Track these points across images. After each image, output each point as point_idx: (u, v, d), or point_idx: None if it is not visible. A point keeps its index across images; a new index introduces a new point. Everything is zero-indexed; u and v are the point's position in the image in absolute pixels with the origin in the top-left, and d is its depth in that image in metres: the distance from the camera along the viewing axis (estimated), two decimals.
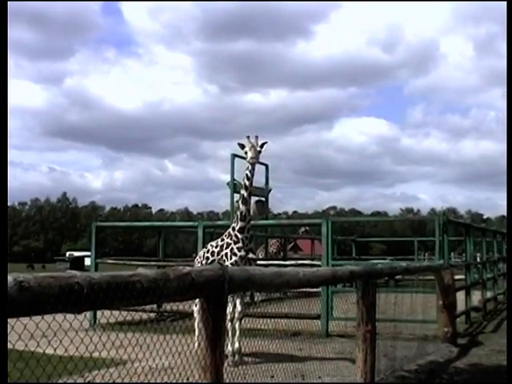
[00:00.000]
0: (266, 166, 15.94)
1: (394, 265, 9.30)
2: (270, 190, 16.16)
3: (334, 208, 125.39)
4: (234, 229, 8.64)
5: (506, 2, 7.44)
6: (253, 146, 8.46)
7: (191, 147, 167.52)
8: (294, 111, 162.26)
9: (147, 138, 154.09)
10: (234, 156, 13.86)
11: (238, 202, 9.28)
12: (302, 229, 24.09)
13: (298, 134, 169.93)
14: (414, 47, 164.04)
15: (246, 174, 8.65)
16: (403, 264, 8.97)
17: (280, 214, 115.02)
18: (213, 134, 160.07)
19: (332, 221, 11.82)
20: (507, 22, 7.18)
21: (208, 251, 9.00)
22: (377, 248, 78.48)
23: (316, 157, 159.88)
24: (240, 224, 8.56)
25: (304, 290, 10.14)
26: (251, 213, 8.97)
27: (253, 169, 8.61)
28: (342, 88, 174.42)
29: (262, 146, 8.59)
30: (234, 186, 13.74)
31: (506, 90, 7.30)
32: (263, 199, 16.16)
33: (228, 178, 14.24)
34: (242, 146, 8.55)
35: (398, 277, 15.99)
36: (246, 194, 8.61)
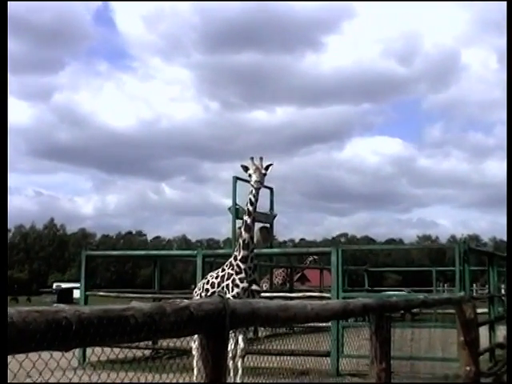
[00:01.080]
0: (271, 189, 16.06)
1: (411, 297, 9.32)
2: (275, 216, 16.23)
3: (344, 235, 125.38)
4: (236, 258, 8.66)
5: (506, 2, 7.77)
6: (257, 169, 8.53)
7: (190, 169, 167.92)
8: (303, 129, 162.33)
9: (142, 158, 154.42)
10: (237, 179, 13.98)
11: (240, 228, 9.32)
12: (310, 258, 24.11)
13: (306, 154, 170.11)
14: (432, 58, 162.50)
15: (250, 199, 8.70)
16: (420, 296, 8.92)
17: (286, 242, 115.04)
18: (214, 154, 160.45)
19: (343, 249, 11.86)
20: (507, 22, 7.47)
21: (208, 282, 9.01)
22: (392, 279, 78.19)
23: (326, 179, 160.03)
24: (242, 253, 8.58)
25: (312, 324, 10.12)
26: (255, 241, 9.01)
27: (257, 193, 8.67)
28: (355, 104, 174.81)
29: (267, 169, 8.67)
30: (237, 212, 13.86)
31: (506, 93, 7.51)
32: (268, 226, 16.19)
33: (230, 202, 14.40)
34: (246, 169, 8.61)
35: (414, 310, 15.89)
36: (249, 221, 8.65)
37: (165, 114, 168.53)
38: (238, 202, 13.90)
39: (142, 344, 12.07)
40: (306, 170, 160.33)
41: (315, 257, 23.92)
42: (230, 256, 8.95)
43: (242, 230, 8.76)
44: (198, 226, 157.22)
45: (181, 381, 4.00)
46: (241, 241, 8.68)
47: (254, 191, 8.67)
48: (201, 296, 8.94)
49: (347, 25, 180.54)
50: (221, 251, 16.07)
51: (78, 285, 15.49)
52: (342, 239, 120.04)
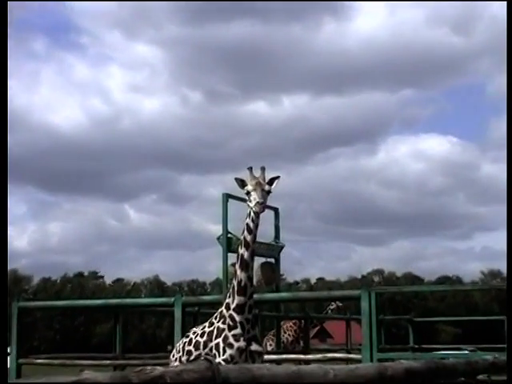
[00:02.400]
0: (276, 210, 15.99)
1: (474, 358, 9.33)
2: (282, 247, 16.16)
3: (379, 272, 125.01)
4: (228, 307, 8.68)
5: (506, 2, 9.57)
6: (258, 183, 8.63)
7: (164, 184, 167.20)
8: (319, 127, 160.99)
9: (98, 171, 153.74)
10: (228, 197, 13.95)
11: (234, 266, 9.32)
12: (333, 305, 24.02)
13: (324, 161, 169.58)
14: (501, 25, 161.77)
15: (247, 225, 8.75)
16: (488, 357, 8.91)
17: (298, 284, 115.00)
18: (196, 164, 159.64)
19: (377, 292, 11.90)
20: (507, 22, 9.14)
21: (190, 342, 9.03)
22: (447, 332, 78.13)
23: (352, 195, 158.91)
24: (238, 300, 8.62)
25: None
26: (254, 282, 9.06)
27: (257, 217, 8.74)
28: (391, 91, 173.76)
29: (271, 183, 8.78)
30: (229, 243, 13.83)
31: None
32: (272, 261, 16.08)
33: (219, 230, 14.31)
34: (242, 183, 8.73)
35: (480, 377, 15.82)
36: (246, 254, 8.70)
37: (127, 109, 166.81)
38: (230, 230, 13.87)
39: None
40: (323, 184, 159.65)
41: (339, 303, 23.81)
42: (220, 304, 8.95)
43: (237, 267, 8.78)
44: (175, 264, 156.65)
45: None
46: (235, 283, 8.70)
47: (253, 215, 8.72)
48: (181, 361, 8.94)
49: None
50: (207, 298, 16.08)
51: (7, 350, 15.48)
52: (376, 278, 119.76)
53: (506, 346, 23.67)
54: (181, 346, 9.22)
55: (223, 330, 8.61)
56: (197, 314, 15.68)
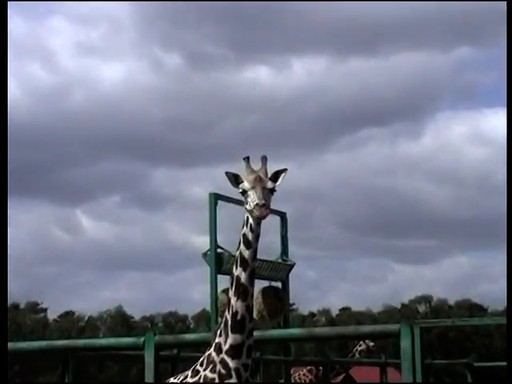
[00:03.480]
0: (283, 215, 16.11)
1: None
2: (291, 266, 16.26)
3: (425, 299, 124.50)
4: (219, 349, 8.69)
5: (506, 2, 12.08)
6: (258, 180, 8.68)
7: (131, 181, 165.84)
8: (342, 101, 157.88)
9: (39, 164, 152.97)
10: (218, 198, 14.03)
11: (226, 292, 9.52)
12: (362, 345, 24.06)
13: (349, 147, 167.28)
14: None
15: (245, 237, 8.78)
16: None
17: (315, 316, 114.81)
18: (175, 153, 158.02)
19: (423, 327, 11.81)
20: (507, 22, 11.47)
21: None
22: None
23: (388, 193, 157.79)
24: (232, 339, 8.63)
25: None
26: (255, 314, 9.40)
27: (257, 224, 8.77)
28: (442, 49, 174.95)
29: (276, 178, 8.83)
30: (219, 260, 13.86)
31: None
32: (279, 285, 16.15)
33: (206, 242, 14.34)
34: (236, 179, 8.81)
35: None
36: (243, 277, 8.70)
37: (79, 78, 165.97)
38: (220, 243, 13.92)
39: None
40: (349, 179, 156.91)
41: (370, 343, 23.87)
42: (207, 345, 8.96)
43: (232, 294, 8.78)
44: (146, 291, 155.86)
45: None
46: (228, 316, 8.70)
47: (251, 222, 8.77)
48: None
49: None
50: (190, 336, 15.92)
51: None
52: (422, 307, 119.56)
53: None
54: None
55: (213, 380, 8.58)
56: (176, 359, 15.71)
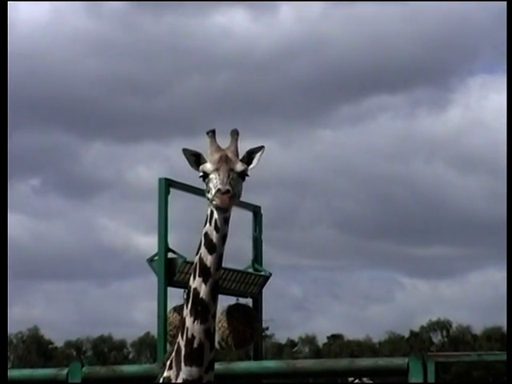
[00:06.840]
0: (257, 209, 15.34)
1: None
2: (267, 278, 15.59)
3: (443, 326, 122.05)
4: None
5: (506, 2, 13.75)
6: (224, 159, 7.75)
7: (55, 160, 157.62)
8: (342, 57, 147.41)
9: None
10: (171, 185, 13.21)
11: (179, 311, 8.93)
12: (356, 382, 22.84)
13: (352, 119, 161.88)
14: None
15: (207, 237, 7.79)
16: None
17: (296, 345, 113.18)
18: (114, 123, 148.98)
19: (438, 361, 10.99)
20: (507, 22, 12.86)
21: None
22: None
23: (401, 184, 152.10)
24: (186, 373, 7.68)
25: None
26: (217, 341, 8.70)
27: (224, 221, 7.77)
28: None
29: (249, 159, 7.95)
30: (171, 268, 13.32)
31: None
32: (250, 303, 15.41)
33: (153, 244, 13.62)
34: (196, 160, 7.90)
35: None
36: (203, 291, 7.74)
37: None
38: (172, 245, 13.15)
39: None
40: (350, 163, 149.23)
41: (368, 381, 22.40)
42: (152, 380, 8.80)
43: (187, 313, 7.85)
44: (71, 307, 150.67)
45: None
46: (182, 342, 7.78)
47: (216, 217, 7.75)
48: None
49: None
50: (128, 369, 14.90)
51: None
52: (437, 336, 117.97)
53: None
54: None
55: None
56: None
